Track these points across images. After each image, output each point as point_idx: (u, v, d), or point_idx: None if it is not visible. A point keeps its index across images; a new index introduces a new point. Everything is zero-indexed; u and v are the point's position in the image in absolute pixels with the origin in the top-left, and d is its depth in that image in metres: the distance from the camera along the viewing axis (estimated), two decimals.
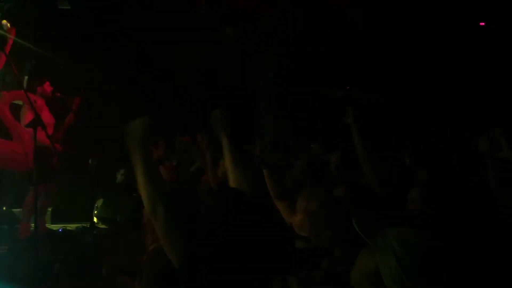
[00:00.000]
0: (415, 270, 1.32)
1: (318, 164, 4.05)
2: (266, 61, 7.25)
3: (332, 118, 6.48)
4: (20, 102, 6.19)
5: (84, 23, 6.88)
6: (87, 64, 7.09)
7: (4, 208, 6.70)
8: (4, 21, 5.55)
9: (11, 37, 5.58)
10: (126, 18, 6.85)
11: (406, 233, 1.41)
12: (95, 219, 6.65)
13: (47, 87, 6.27)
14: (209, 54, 7.29)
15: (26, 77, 6.58)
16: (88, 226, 6.40)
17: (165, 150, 6.34)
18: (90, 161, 6.32)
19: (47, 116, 6.09)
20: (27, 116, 5.92)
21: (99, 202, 6.82)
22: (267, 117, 7.09)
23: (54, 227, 6.71)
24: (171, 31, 6.96)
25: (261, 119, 7.17)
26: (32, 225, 5.98)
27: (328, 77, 7.01)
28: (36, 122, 5.67)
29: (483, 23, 7.36)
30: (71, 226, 6.59)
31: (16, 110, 6.11)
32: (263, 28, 6.84)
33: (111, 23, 6.98)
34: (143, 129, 2.02)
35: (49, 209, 6.99)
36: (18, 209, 6.51)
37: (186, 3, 6.98)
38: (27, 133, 5.60)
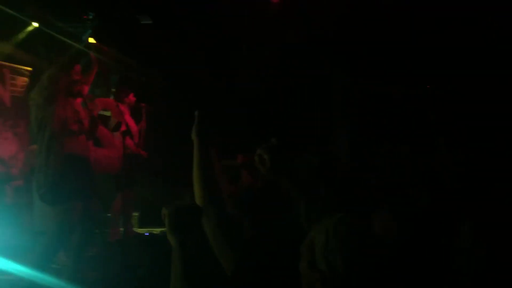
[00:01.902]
0: (336, 248, 1.45)
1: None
2: (334, 62, 7.17)
3: (408, 118, 6.33)
4: (107, 113, 6.54)
5: (164, 36, 7.16)
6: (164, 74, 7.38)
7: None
8: (91, 40, 5.91)
9: (102, 58, 5.89)
10: (200, 27, 7.01)
11: (346, 219, 1.51)
12: None
13: (132, 97, 6.58)
14: (275, 57, 7.32)
15: (113, 90, 6.95)
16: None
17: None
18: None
19: (132, 125, 6.41)
20: (116, 123, 6.25)
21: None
22: (340, 121, 7.03)
23: (141, 231, 7.04)
24: (240, 34, 7.05)
25: (333, 124, 7.12)
26: (121, 229, 6.32)
27: (402, 75, 6.81)
28: (126, 132, 6.01)
29: None
30: (157, 230, 6.86)
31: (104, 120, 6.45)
32: (327, 28, 6.75)
33: (187, 34, 7.18)
34: (198, 123, 2.07)
35: (137, 213, 7.33)
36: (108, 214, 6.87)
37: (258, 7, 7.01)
38: (117, 139, 5.92)
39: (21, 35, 6.48)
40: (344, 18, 6.53)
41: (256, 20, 6.86)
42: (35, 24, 6.47)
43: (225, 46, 7.31)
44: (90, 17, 6.37)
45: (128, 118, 6.36)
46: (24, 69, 6.47)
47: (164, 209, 1.92)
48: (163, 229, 6.86)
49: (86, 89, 4.76)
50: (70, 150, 4.20)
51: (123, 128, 6.05)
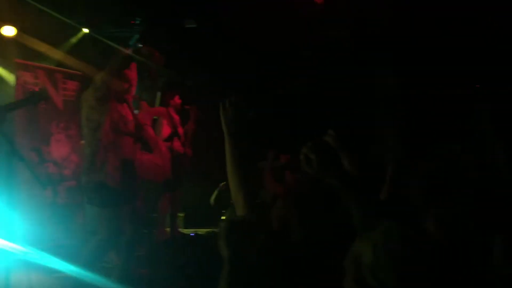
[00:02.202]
0: (388, 264, 1.34)
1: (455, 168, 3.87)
2: (381, 61, 7.06)
3: (459, 118, 6.14)
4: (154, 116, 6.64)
5: (208, 39, 7.24)
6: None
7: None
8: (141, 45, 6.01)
9: (154, 65, 5.98)
10: (245, 30, 7.04)
11: (394, 227, 1.42)
12: None
13: (178, 100, 6.66)
14: (319, 56, 7.27)
15: (159, 94, 7.07)
16: (217, 231, 6.68)
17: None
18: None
19: (179, 128, 6.50)
20: (164, 129, 6.36)
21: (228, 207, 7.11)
22: (388, 121, 6.91)
23: (186, 231, 7.15)
24: (285, 34, 7.03)
25: (381, 124, 7.00)
26: (168, 229, 6.44)
27: (452, 74, 6.62)
28: (173, 134, 6.10)
29: None
30: (202, 231, 6.94)
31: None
32: (374, 26, 6.65)
33: (231, 38, 7.23)
34: (224, 111, 2.04)
35: (182, 214, 7.44)
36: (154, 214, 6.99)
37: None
38: (164, 145, 6.02)
39: (72, 41, 6.71)
40: (392, 16, 6.42)
41: (300, 20, 6.83)
42: (85, 30, 6.68)
43: (271, 48, 7.30)
44: (137, 22, 6.52)
45: (176, 121, 6.45)
46: (75, 74, 6.69)
47: (220, 222, 1.95)
48: (208, 229, 7.00)
49: (133, 92, 4.84)
50: (122, 152, 4.28)
51: (174, 132, 6.15)
